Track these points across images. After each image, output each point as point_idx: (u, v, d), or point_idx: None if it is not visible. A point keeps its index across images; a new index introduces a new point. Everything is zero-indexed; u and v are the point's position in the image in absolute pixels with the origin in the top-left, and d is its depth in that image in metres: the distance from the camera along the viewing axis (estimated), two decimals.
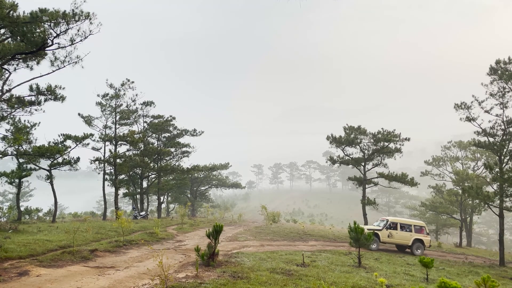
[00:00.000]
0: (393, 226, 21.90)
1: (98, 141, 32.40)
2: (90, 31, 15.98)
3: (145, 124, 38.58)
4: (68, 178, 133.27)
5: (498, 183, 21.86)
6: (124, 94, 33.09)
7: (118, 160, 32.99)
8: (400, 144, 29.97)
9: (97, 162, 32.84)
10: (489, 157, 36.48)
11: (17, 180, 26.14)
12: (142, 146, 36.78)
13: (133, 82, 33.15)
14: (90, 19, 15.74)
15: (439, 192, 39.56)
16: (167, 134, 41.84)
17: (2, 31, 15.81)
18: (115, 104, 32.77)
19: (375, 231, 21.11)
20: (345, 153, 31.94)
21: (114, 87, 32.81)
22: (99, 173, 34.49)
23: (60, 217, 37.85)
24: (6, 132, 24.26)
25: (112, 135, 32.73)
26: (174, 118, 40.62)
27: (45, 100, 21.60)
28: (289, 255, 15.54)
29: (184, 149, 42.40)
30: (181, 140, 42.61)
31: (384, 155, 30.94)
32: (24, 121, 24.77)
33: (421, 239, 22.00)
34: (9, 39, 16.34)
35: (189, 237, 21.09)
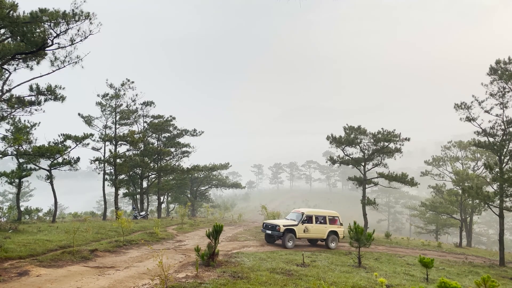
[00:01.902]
0: (308, 219, 19.93)
1: (98, 141, 32.39)
2: (90, 31, 15.96)
3: (145, 124, 38.58)
4: (68, 178, 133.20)
5: (498, 183, 21.85)
6: (124, 94, 33.11)
7: (118, 160, 32.98)
8: (400, 144, 29.95)
9: (97, 162, 32.83)
10: (489, 157, 36.47)
11: (17, 180, 26.14)
12: (142, 146, 36.77)
13: (133, 82, 33.17)
14: (90, 19, 15.71)
15: (439, 192, 39.56)
16: (167, 134, 41.83)
17: (2, 31, 15.79)
18: (115, 104, 32.78)
19: (291, 227, 19.17)
20: (345, 153, 31.91)
21: (114, 87, 32.82)
22: (99, 173, 34.48)
23: (60, 217, 37.84)
24: (6, 132, 24.28)
25: (112, 135, 32.73)
26: (174, 118, 40.63)
27: (45, 100, 21.56)
28: (289, 255, 15.55)
29: (184, 149, 42.38)
30: (181, 140, 42.62)
31: (384, 155, 30.92)
32: (24, 121, 24.81)
33: (335, 231, 20.54)
34: (9, 39, 16.32)
35: (189, 237, 21.09)
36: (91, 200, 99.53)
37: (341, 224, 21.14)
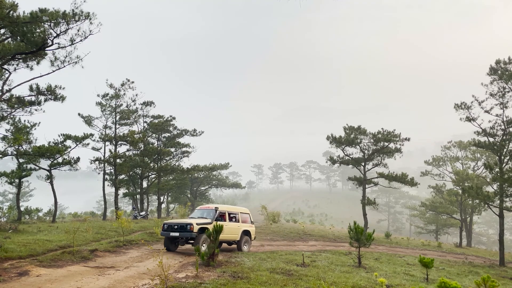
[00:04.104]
0: (221, 217, 15.99)
1: (98, 141, 32.43)
2: (90, 31, 15.98)
3: (145, 124, 38.56)
4: (68, 178, 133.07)
5: (498, 183, 21.88)
6: (124, 94, 33.14)
7: (118, 160, 32.99)
8: (400, 144, 30.01)
9: (97, 162, 32.83)
10: (489, 157, 36.50)
11: (17, 180, 26.15)
12: (142, 146, 36.76)
13: (133, 82, 33.20)
14: (90, 19, 15.73)
15: (439, 192, 39.60)
16: (167, 134, 41.82)
17: (2, 31, 15.80)
18: (115, 104, 32.79)
19: (205, 226, 14.80)
20: (345, 153, 31.94)
21: (114, 87, 32.83)
22: (99, 173, 34.48)
23: (60, 217, 37.86)
24: (6, 132, 24.32)
25: (112, 135, 32.74)
26: (174, 118, 40.60)
27: (45, 100, 21.59)
28: (289, 255, 15.54)
29: (184, 149, 42.37)
30: (181, 140, 42.60)
31: (384, 155, 30.97)
32: (24, 121, 24.84)
33: (248, 231, 17.08)
34: (9, 39, 16.33)
35: None
36: (91, 200, 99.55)
37: (252, 223, 18.03)
